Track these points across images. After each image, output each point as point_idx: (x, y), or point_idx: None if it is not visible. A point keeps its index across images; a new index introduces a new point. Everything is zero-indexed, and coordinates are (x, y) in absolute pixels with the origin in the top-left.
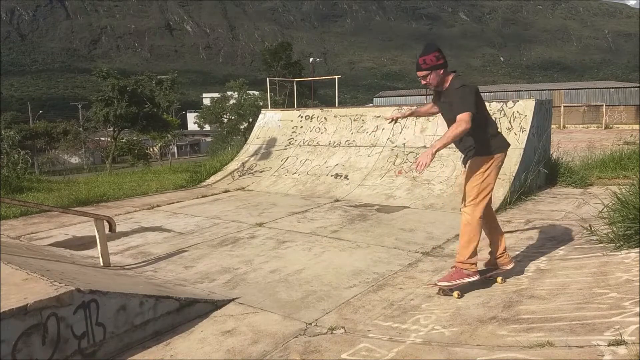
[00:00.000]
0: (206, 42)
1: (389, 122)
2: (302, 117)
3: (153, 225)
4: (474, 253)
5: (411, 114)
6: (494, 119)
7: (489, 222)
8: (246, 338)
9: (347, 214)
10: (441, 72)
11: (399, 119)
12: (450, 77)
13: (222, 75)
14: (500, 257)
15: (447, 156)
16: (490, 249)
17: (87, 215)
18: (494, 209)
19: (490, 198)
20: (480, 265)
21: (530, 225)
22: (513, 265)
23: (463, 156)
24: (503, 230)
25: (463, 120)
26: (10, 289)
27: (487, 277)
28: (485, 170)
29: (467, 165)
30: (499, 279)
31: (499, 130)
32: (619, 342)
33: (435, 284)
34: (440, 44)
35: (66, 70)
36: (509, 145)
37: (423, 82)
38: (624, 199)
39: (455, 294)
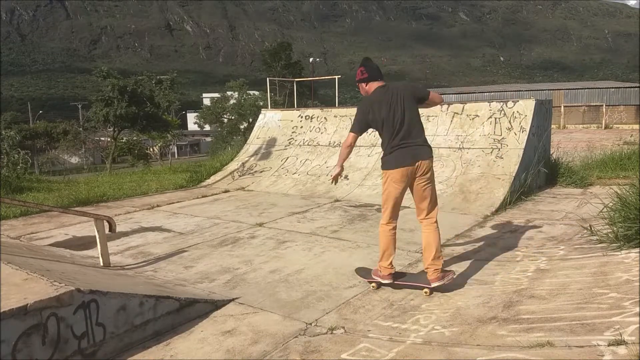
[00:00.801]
0: (206, 42)
1: (333, 183)
2: (302, 117)
3: (153, 225)
4: (385, 258)
5: (342, 164)
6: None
7: (424, 232)
8: (246, 338)
9: (347, 214)
10: (365, 85)
11: (337, 177)
12: (372, 91)
13: (222, 75)
14: (427, 269)
15: (447, 156)
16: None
17: (87, 215)
18: (494, 209)
19: (392, 209)
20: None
21: (530, 225)
22: (438, 285)
23: None
24: (502, 230)
25: (347, 138)
26: (10, 289)
27: (396, 283)
28: (384, 183)
29: None
30: (425, 290)
31: (397, 145)
32: (619, 342)
33: (363, 270)
34: (440, 44)
35: (66, 70)
36: (400, 164)
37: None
38: (624, 199)
39: (372, 285)
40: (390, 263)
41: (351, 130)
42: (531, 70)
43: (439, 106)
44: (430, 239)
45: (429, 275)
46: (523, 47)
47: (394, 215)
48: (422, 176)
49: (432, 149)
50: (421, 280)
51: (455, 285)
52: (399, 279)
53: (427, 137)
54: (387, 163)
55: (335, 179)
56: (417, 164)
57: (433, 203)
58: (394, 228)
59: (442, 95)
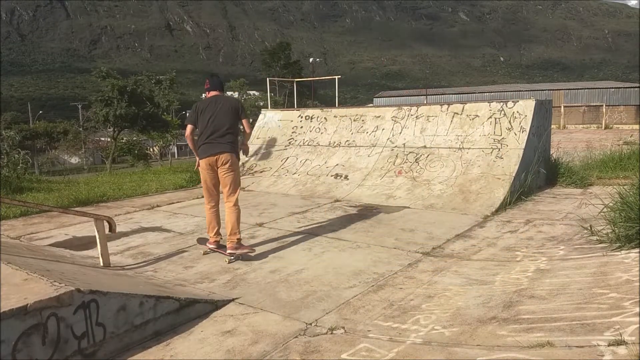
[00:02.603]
0: (206, 42)
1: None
2: (302, 117)
3: (153, 225)
4: (209, 230)
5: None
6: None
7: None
8: (246, 338)
9: (347, 214)
10: (208, 94)
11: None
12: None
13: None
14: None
15: (447, 156)
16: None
17: (87, 216)
18: (494, 209)
19: (206, 191)
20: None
21: (530, 226)
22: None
23: None
24: (502, 230)
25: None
26: (10, 289)
27: (214, 249)
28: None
29: None
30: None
31: (204, 141)
32: (619, 342)
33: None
34: (440, 44)
35: (66, 70)
36: (204, 156)
37: None
38: (624, 199)
39: (206, 251)
40: (215, 234)
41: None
42: (531, 70)
43: (438, 106)
44: (228, 217)
45: (227, 245)
46: (523, 47)
47: (207, 196)
48: (222, 166)
49: (430, 148)
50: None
51: (456, 285)
52: (219, 249)
53: (427, 137)
54: (200, 152)
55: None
56: (216, 156)
57: (233, 188)
58: (212, 207)
59: (442, 95)
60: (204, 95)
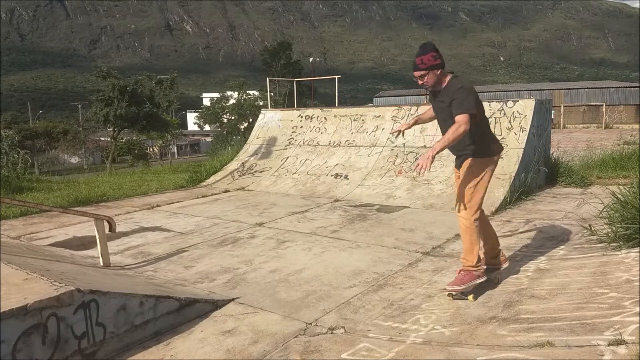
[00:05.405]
0: (206, 42)
1: (395, 135)
2: (302, 117)
3: (153, 225)
4: (479, 255)
5: (415, 123)
6: (490, 121)
7: (482, 223)
8: (246, 338)
9: (347, 213)
10: (438, 72)
11: (404, 131)
12: (447, 78)
13: (222, 75)
14: (496, 257)
15: (447, 156)
16: (484, 250)
17: (87, 215)
18: (494, 209)
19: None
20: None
21: (530, 225)
22: (508, 264)
23: (456, 158)
24: (502, 230)
25: (462, 121)
26: (10, 289)
27: (491, 277)
28: (481, 173)
29: (462, 167)
30: (497, 279)
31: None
32: (619, 342)
33: (446, 289)
34: (440, 44)
35: (66, 70)
36: (502, 148)
37: (420, 82)
38: (623, 199)
39: (471, 297)
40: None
41: (467, 111)
42: (531, 70)
43: None
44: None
45: (496, 261)
46: (523, 47)
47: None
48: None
49: (430, 148)
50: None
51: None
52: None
53: (427, 137)
54: (493, 148)
55: (401, 132)
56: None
57: None
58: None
59: None
60: (444, 74)
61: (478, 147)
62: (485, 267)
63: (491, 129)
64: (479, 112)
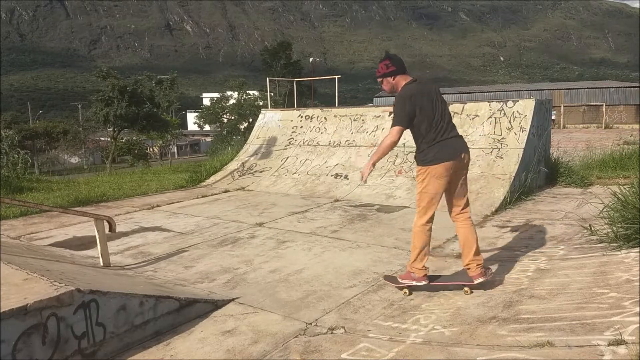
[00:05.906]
0: (206, 42)
1: (364, 182)
2: (302, 117)
3: (153, 225)
4: (419, 259)
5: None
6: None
7: (462, 230)
8: (246, 338)
9: (347, 213)
10: (392, 79)
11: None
12: (401, 84)
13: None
14: (469, 265)
15: None
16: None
17: (87, 215)
18: (494, 209)
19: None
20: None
21: (530, 225)
22: (482, 280)
23: None
24: (502, 230)
25: (390, 133)
26: (10, 289)
27: (436, 284)
28: (423, 180)
29: None
30: (466, 288)
31: (447, 136)
32: (619, 342)
33: (390, 277)
34: (440, 44)
35: (66, 70)
36: (450, 157)
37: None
38: (623, 199)
39: (404, 291)
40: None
41: (396, 124)
42: (531, 70)
43: None
44: (467, 234)
45: (471, 271)
46: (523, 47)
47: (433, 215)
48: (463, 169)
49: None
50: (460, 278)
51: (455, 285)
52: (434, 281)
53: None
54: (431, 157)
55: (365, 178)
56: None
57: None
58: (430, 228)
59: (442, 96)
60: (400, 81)
61: (419, 155)
62: (425, 273)
63: (443, 134)
64: (418, 121)
